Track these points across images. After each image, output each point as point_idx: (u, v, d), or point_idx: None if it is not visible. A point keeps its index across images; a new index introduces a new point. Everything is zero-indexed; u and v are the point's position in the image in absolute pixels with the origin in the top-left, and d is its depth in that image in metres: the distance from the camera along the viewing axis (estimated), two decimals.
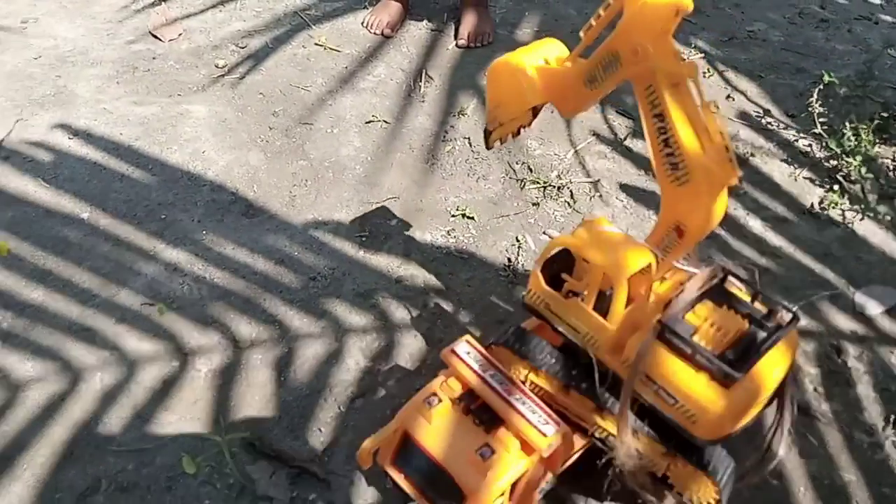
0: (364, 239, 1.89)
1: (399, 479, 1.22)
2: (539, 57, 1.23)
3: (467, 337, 1.26)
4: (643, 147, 2.23)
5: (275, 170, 2.08)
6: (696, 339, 1.16)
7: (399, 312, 1.71)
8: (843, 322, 1.79)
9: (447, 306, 1.73)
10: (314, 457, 1.41)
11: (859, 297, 1.84)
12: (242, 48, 2.53)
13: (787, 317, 1.20)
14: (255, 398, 1.51)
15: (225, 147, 2.12)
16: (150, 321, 1.63)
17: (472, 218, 1.97)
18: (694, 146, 1.09)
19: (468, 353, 1.23)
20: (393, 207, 1.99)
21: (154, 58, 2.43)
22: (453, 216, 1.98)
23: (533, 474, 1.20)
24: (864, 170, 2.13)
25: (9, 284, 1.68)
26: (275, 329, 1.65)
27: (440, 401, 1.20)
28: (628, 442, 1.15)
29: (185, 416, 1.46)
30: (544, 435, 1.14)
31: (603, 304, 1.19)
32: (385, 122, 2.27)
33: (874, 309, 1.82)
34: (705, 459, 1.20)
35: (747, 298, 1.25)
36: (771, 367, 1.17)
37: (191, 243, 1.82)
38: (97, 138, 2.09)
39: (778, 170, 2.21)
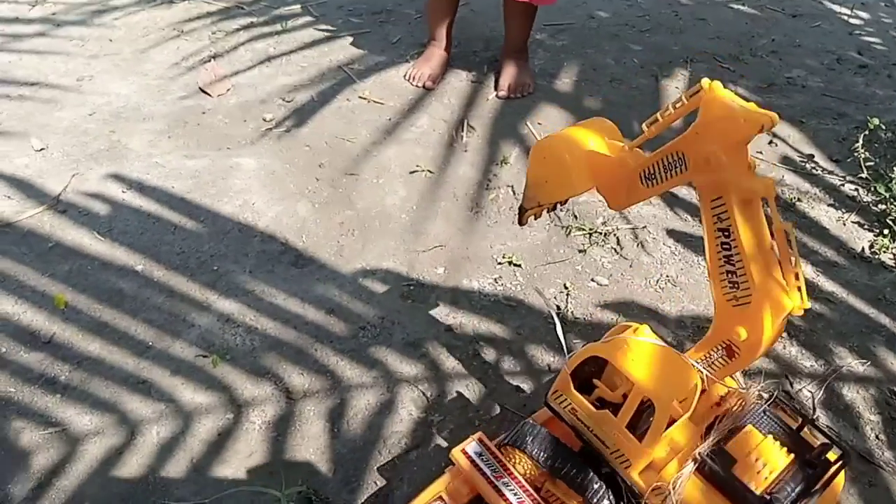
0: (412, 288, 1.90)
1: None
2: (589, 139, 1.12)
3: (480, 435, 1.19)
4: (687, 193, 2.23)
5: (323, 220, 2.11)
6: (737, 472, 1.07)
7: (449, 362, 1.70)
8: None
9: (497, 355, 1.72)
10: None
11: None
12: (289, 102, 2.59)
13: (836, 455, 1.12)
14: (310, 450, 1.51)
15: (274, 199, 2.16)
16: (205, 372, 1.64)
17: (519, 265, 1.97)
18: (761, 269, 0.99)
19: (480, 454, 1.17)
20: (439, 256, 2.00)
21: (203, 112, 2.51)
22: (500, 263, 1.98)
23: None
24: None
25: (67, 337, 1.71)
26: (327, 379, 1.65)
27: None
28: None
29: (241, 468, 1.46)
30: None
31: (635, 417, 1.10)
32: (429, 171, 2.30)
33: None
34: None
35: (795, 424, 1.17)
36: None
37: (243, 294, 1.84)
38: (150, 190, 2.14)
39: (825, 215, 2.19)
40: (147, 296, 1.82)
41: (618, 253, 2.04)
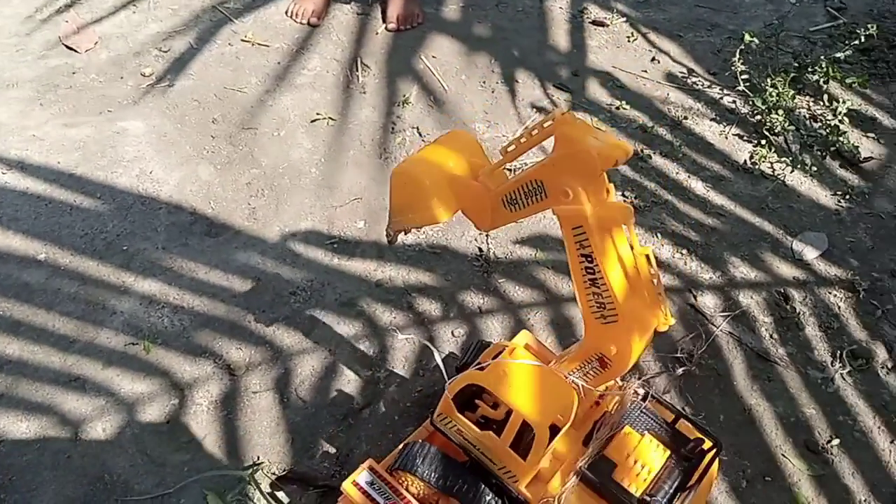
0: (336, 246, 1.91)
1: None
2: (450, 162, 1.08)
3: (370, 462, 1.20)
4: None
5: (228, 182, 2.04)
6: (618, 476, 1.14)
7: (386, 316, 1.75)
8: (786, 270, 1.96)
9: (430, 304, 1.78)
10: (334, 473, 1.46)
11: (796, 245, 2.02)
12: (166, 52, 2.42)
13: (708, 446, 1.20)
14: (263, 423, 1.53)
15: (171, 164, 2.06)
16: (138, 360, 1.61)
17: None
18: (624, 290, 1.02)
19: (371, 483, 1.18)
20: (357, 209, 2.01)
21: (74, 73, 2.30)
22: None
23: None
24: (786, 123, 2.30)
25: None
26: (266, 350, 1.66)
27: None
28: None
29: (198, 452, 1.47)
30: None
31: (518, 433, 1.12)
32: (331, 118, 2.26)
33: (810, 254, 2.00)
34: None
35: (670, 418, 1.25)
36: None
37: (160, 272, 1.78)
38: (34, 169, 1.98)
39: (709, 129, 2.35)
40: (58, 286, 1.73)
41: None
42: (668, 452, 1.19)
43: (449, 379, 1.17)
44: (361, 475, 1.18)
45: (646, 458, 1.17)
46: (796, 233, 2.04)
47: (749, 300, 1.87)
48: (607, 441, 1.17)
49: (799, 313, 1.85)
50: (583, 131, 0.95)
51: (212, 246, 1.87)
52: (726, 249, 1.99)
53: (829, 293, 1.91)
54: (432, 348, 1.29)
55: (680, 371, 1.66)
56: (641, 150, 2.24)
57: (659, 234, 2.00)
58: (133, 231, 1.87)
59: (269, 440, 1.51)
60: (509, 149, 1.03)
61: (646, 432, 1.21)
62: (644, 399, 1.24)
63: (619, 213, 0.98)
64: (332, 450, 1.50)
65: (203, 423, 1.52)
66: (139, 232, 1.87)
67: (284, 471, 1.44)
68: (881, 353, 1.77)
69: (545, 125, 0.97)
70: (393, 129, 2.25)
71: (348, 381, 1.62)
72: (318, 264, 1.86)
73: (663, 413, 1.26)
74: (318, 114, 2.26)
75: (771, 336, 1.80)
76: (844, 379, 1.73)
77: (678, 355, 1.71)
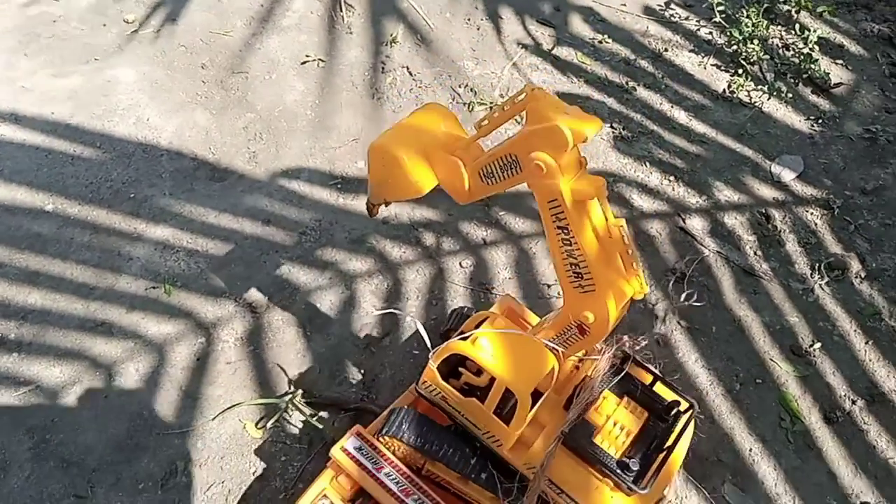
0: (339, 186, 1.95)
1: None
2: (426, 136, 1.10)
3: (357, 428, 1.23)
4: (570, 54, 2.37)
5: (225, 127, 2.06)
6: (598, 440, 1.17)
7: (395, 251, 1.82)
8: (766, 191, 2.08)
9: (436, 238, 1.86)
10: (362, 396, 1.55)
11: (775, 168, 2.14)
12: None
13: (685, 406, 1.23)
14: (290, 356, 1.60)
15: (167, 111, 2.06)
16: (161, 303, 1.65)
17: None
18: (600, 260, 1.05)
19: (359, 448, 1.21)
20: (356, 149, 2.05)
21: (54, 21, 2.25)
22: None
23: None
24: (761, 52, 2.39)
25: None
26: (285, 288, 1.72)
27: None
28: None
29: (230, 387, 1.54)
30: None
31: (502, 399, 1.15)
32: (321, 60, 2.27)
33: (788, 176, 2.12)
34: None
35: (648, 380, 1.27)
36: (670, 470, 1.21)
37: (171, 218, 1.82)
38: (28, 120, 1.97)
39: (688, 61, 2.43)
40: (70, 235, 1.75)
41: (519, 123, 2.17)
42: (646, 414, 1.22)
43: (432, 348, 1.18)
44: (349, 441, 1.21)
45: (625, 422, 1.20)
46: (774, 156, 2.16)
47: (733, 221, 1.99)
48: (587, 405, 1.19)
49: (780, 231, 1.98)
50: (553, 107, 0.98)
51: (218, 190, 1.90)
52: (710, 174, 2.09)
53: (807, 211, 2.04)
54: (415, 320, 1.28)
55: (683, 297, 1.74)
56: (626, 83, 2.31)
57: (647, 163, 2.09)
58: (138, 178, 1.89)
59: (296, 371, 1.58)
60: (483, 123, 1.06)
61: (624, 396, 1.24)
62: (623, 362, 1.26)
63: (593, 186, 1.01)
64: (358, 376, 1.58)
65: (232, 359, 1.59)
66: (144, 179, 1.89)
67: (316, 397, 1.52)
68: (855, 265, 1.91)
69: (517, 100, 1.00)
70: (383, 69, 2.28)
71: (366, 313, 1.69)
72: (324, 204, 1.90)
73: (641, 376, 1.28)
74: (307, 55, 2.27)
75: (755, 253, 1.93)
76: (823, 289, 1.87)
77: (672, 274, 1.83)
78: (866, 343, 1.77)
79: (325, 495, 1.19)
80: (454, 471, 1.23)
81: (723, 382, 1.67)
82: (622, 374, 1.23)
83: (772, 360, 1.72)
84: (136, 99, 2.07)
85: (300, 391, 1.52)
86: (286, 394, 1.51)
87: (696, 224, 1.97)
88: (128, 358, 1.56)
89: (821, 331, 1.79)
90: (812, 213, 2.03)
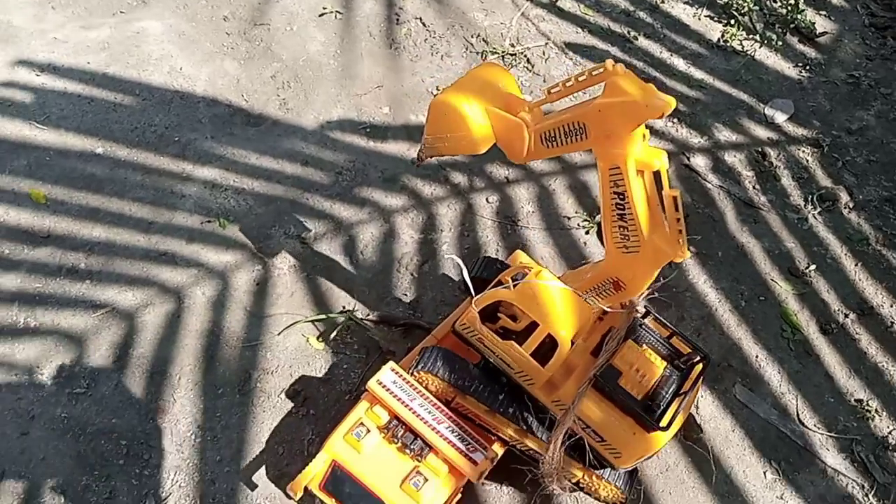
0: (368, 130, 2.07)
1: (331, 503, 1.28)
2: (490, 96, 1.15)
3: (391, 364, 1.33)
4: (573, 6, 2.51)
5: (254, 76, 2.16)
6: (622, 382, 1.25)
7: (427, 189, 1.95)
8: (761, 132, 2.25)
9: (463, 176, 2.00)
10: (410, 313, 1.69)
11: (768, 111, 2.31)
12: None
13: (698, 358, 1.32)
14: (340, 280, 1.74)
15: (197, 61, 2.15)
16: (217, 235, 1.77)
17: None
18: (649, 227, 1.11)
19: (394, 381, 1.31)
20: (380, 96, 2.17)
21: None
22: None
23: (458, 489, 1.33)
24: (751, 3, 2.55)
25: (65, 228, 1.73)
26: (329, 222, 1.85)
27: (368, 431, 1.29)
28: (557, 463, 1.25)
29: (290, 306, 1.68)
30: (474, 462, 1.27)
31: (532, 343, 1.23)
32: (338, 12, 2.37)
33: (780, 118, 2.29)
34: (615, 474, 1.34)
35: (665, 334, 1.36)
36: (684, 412, 1.29)
37: (215, 160, 1.92)
38: (65, 71, 2.04)
39: (684, 12, 2.58)
40: (123, 176, 1.85)
41: (530, 70, 2.31)
42: (665, 364, 1.30)
43: (475, 294, 1.27)
44: (385, 375, 1.31)
45: (647, 369, 1.28)
46: (767, 100, 2.33)
47: (733, 158, 2.16)
48: (614, 353, 1.25)
49: (775, 167, 2.16)
50: (635, 83, 1.04)
51: (255, 135, 2.01)
52: (710, 117, 2.26)
53: (798, 149, 2.22)
54: (461, 264, 1.34)
55: None
56: (628, 32, 2.46)
57: None
58: (180, 123, 1.99)
59: (347, 294, 1.72)
60: (553, 90, 1.11)
61: (645, 346, 1.32)
62: (644, 317, 1.34)
63: (657, 159, 1.08)
64: (405, 297, 1.73)
65: (288, 284, 1.72)
66: (185, 124, 1.99)
67: (369, 314, 1.67)
68: (844, 196, 2.10)
69: (594, 73, 1.06)
70: (398, 20, 2.39)
71: (405, 243, 1.83)
72: (355, 147, 2.03)
73: (660, 330, 1.37)
74: (324, 7, 2.37)
75: (753, 187, 2.11)
76: (816, 218, 2.05)
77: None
78: (856, 265, 1.97)
79: (361, 423, 1.30)
80: (483, 404, 1.33)
81: (730, 300, 1.85)
82: (644, 327, 1.34)
83: (772, 280, 1.90)
84: (167, 49, 2.15)
85: (351, 310, 1.66)
86: (343, 311, 1.65)
87: (700, 162, 2.14)
88: (193, 283, 1.68)
89: (815, 254, 1.98)
90: (803, 151, 2.21)
